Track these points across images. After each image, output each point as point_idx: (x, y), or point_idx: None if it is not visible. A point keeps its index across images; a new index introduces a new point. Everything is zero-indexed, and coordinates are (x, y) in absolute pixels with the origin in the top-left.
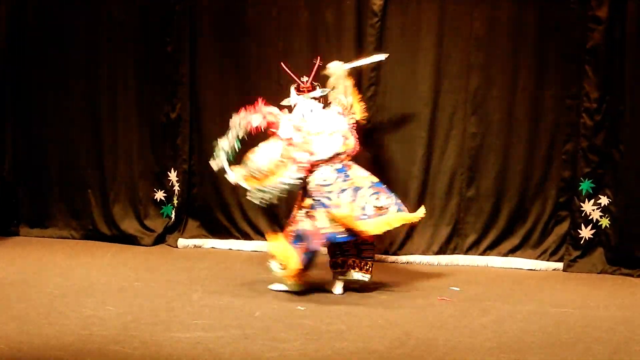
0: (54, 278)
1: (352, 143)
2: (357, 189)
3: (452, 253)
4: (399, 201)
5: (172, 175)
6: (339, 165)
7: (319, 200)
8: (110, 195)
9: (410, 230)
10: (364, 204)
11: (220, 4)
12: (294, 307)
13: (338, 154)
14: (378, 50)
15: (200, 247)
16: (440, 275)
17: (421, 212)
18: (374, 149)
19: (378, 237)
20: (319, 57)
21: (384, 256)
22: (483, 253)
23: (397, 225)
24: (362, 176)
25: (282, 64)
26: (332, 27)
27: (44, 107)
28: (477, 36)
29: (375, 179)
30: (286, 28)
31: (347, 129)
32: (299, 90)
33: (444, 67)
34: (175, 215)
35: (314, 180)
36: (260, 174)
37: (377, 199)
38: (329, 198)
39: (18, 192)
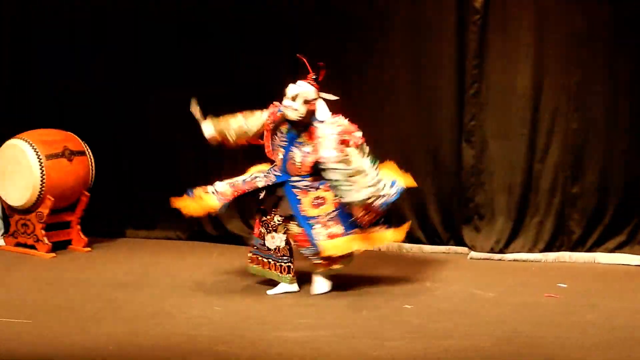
0: (162, 279)
1: None
2: None
3: (558, 250)
4: None
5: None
6: None
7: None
8: None
9: (515, 227)
10: None
11: (317, 3)
12: (400, 305)
13: None
14: (480, 47)
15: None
16: (547, 272)
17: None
18: (477, 146)
19: None
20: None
21: (489, 254)
22: (590, 249)
23: None
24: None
25: (298, 55)
26: (433, 25)
27: (144, 106)
28: (578, 31)
29: None
30: (387, 26)
31: None
32: (309, 80)
33: (546, 63)
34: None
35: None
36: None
37: None
38: None
39: (123, 192)
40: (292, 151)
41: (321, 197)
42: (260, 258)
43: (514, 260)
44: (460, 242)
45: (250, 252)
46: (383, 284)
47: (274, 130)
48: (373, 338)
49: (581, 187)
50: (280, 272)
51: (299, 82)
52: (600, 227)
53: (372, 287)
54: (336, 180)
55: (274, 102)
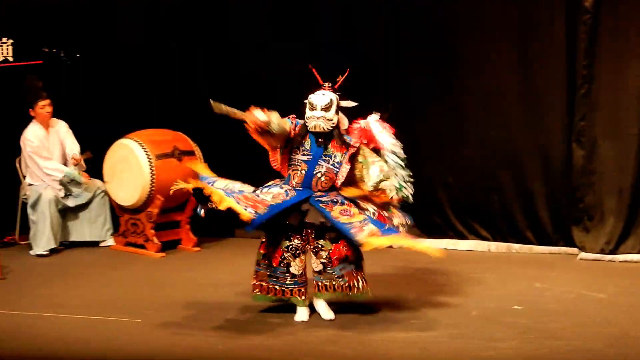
0: None
1: None
2: None
3: None
4: None
5: None
6: None
7: None
8: None
9: (625, 229)
10: None
11: (423, 5)
12: (509, 306)
13: None
14: (590, 47)
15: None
16: None
17: None
18: (587, 146)
19: None
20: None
21: (600, 255)
22: None
23: None
24: None
25: (310, 66)
26: (543, 25)
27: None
28: None
29: None
30: (493, 27)
31: None
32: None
33: None
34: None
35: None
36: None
37: None
38: None
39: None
40: (320, 165)
41: (347, 210)
42: (272, 286)
43: (625, 261)
44: (570, 243)
45: (260, 281)
46: (492, 285)
47: (294, 145)
48: (482, 339)
49: None
50: (300, 296)
51: (322, 91)
52: None
53: (481, 288)
54: (393, 165)
55: (292, 115)
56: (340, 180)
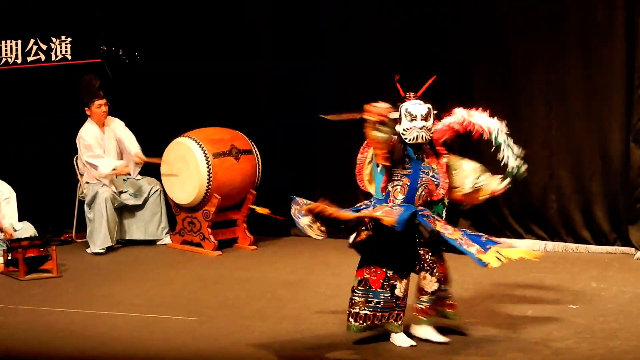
0: (326, 278)
1: None
2: None
3: None
4: None
5: None
6: None
7: None
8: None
9: None
10: None
11: (485, 6)
12: (566, 305)
13: None
14: None
15: None
16: None
17: None
18: None
19: None
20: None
21: None
22: None
23: None
24: None
25: (396, 77)
26: (602, 24)
27: (314, 106)
28: None
29: None
30: (554, 26)
31: None
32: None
33: None
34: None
35: None
36: None
37: None
38: None
39: (288, 191)
40: (421, 177)
41: (444, 224)
42: (370, 313)
43: None
44: (627, 243)
45: (355, 308)
46: (548, 285)
47: (395, 159)
48: (539, 338)
49: None
50: (397, 321)
51: (415, 101)
52: None
53: (537, 288)
54: (506, 143)
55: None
56: (442, 191)
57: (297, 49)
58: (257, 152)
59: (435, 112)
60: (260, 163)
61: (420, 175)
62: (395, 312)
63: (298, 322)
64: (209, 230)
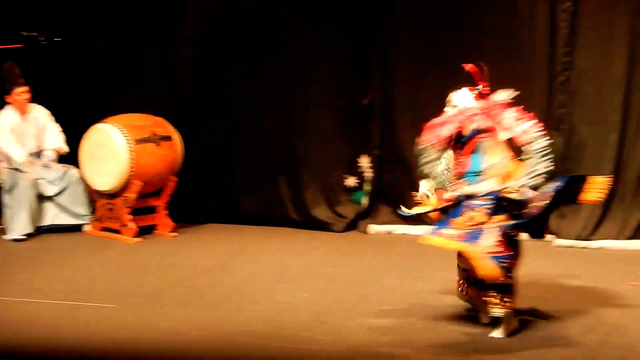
0: (246, 264)
1: None
2: None
3: None
4: None
5: (364, 161)
6: None
7: None
8: (302, 181)
9: (602, 215)
10: None
11: None
12: None
13: None
14: (571, 34)
15: (391, 232)
16: (632, 260)
17: None
18: (566, 133)
19: None
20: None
21: (575, 242)
22: None
23: None
24: None
25: (463, 65)
26: (524, 12)
27: (234, 91)
28: None
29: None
30: (479, 13)
31: None
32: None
33: (638, 50)
34: (366, 201)
35: None
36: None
37: None
38: None
39: (208, 178)
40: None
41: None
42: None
43: (600, 247)
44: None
45: None
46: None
47: None
48: (456, 325)
49: None
50: None
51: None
52: None
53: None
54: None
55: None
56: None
57: (218, 37)
58: (179, 139)
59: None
60: (181, 149)
61: None
62: None
63: (217, 309)
64: (129, 216)
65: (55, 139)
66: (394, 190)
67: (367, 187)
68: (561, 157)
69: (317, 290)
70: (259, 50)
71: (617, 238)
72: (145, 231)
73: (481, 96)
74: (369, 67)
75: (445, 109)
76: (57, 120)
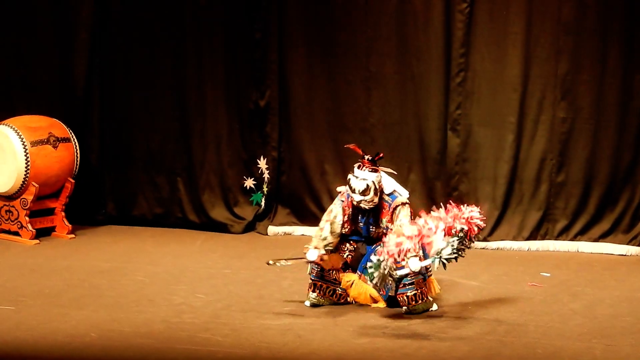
0: (144, 266)
1: None
2: None
3: (543, 239)
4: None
5: (262, 163)
6: None
7: None
8: (199, 182)
9: (499, 216)
10: None
11: None
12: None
13: None
14: (467, 36)
15: (290, 234)
16: (531, 261)
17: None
18: (462, 134)
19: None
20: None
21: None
22: (574, 238)
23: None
24: None
25: (347, 146)
26: (420, 14)
27: (130, 93)
28: (565, 20)
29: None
30: (374, 14)
31: None
32: (367, 166)
33: (533, 52)
34: (265, 203)
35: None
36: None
37: None
38: None
39: (105, 179)
40: (372, 231)
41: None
42: None
43: (498, 248)
44: None
45: None
46: None
47: (352, 217)
48: (356, 326)
49: (566, 176)
50: None
51: (359, 172)
52: (584, 216)
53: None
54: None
55: (340, 191)
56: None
57: (113, 37)
58: (75, 140)
59: (390, 172)
60: (78, 151)
61: (371, 230)
62: None
63: (115, 310)
64: (27, 218)
65: None
66: (292, 192)
67: (265, 188)
68: (457, 158)
69: (215, 291)
70: (155, 50)
71: (515, 239)
72: (43, 233)
73: (370, 163)
74: (265, 68)
75: (355, 196)
76: None
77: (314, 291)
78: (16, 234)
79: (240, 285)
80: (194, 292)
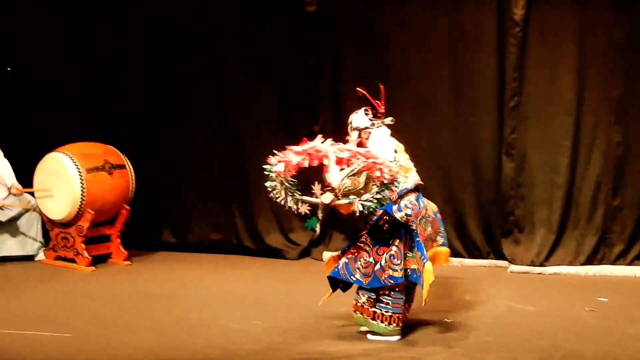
0: (200, 292)
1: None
2: (427, 216)
3: (599, 263)
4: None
5: (316, 188)
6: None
7: (407, 231)
8: (254, 209)
9: (555, 241)
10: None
11: (358, 16)
12: (440, 318)
13: (419, 182)
14: (520, 60)
15: None
16: (588, 286)
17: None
18: (517, 158)
19: None
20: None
21: (530, 267)
22: (631, 263)
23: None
24: (430, 205)
25: (358, 89)
26: (472, 39)
27: (185, 120)
28: (618, 42)
29: (435, 207)
30: (425, 39)
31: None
32: (374, 115)
33: (586, 75)
34: (319, 229)
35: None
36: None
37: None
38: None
39: (161, 206)
40: None
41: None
42: None
43: (555, 273)
44: (500, 256)
45: None
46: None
47: None
48: (414, 352)
49: (622, 200)
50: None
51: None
52: None
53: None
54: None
55: None
56: None
57: (166, 67)
58: (131, 167)
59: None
60: (133, 178)
61: None
62: None
63: (172, 337)
64: (83, 245)
65: (9, 177)
66: (347, 217)
67: (320, 214)
68: (512, 182)
69: (271, 317)
70: (211, 78)
71: (571, 264)
72: (99, 260)
73: (376, 115)
74: (319, 94)
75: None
76: (8, 151)
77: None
78: (72, 260)
79: (296, 311)
80: (250, 318)
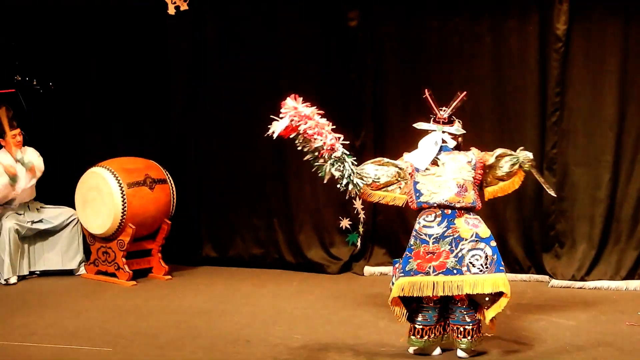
0: (241, 307)
1: (470, 197)
2: (459, 239)
3: None
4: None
5: (357, 203)
6: (448, 212)
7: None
8: (295, 223)
9: (596, 255)
10: (462, 256)
11: (403, 32)
12: (481, 333)
13: (449, 203)
14: (562, 74)
15: (387, 274)
16: (628, 301)
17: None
18: (558, 173)
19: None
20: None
21: (570, 282)
22: None
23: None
24: (468, 229)
25: (426, 90)
26: (515, 53)
27: (226, 134)
28: None
29: (486, 233)
30: (469, 54)
31: (470, 181)
32: (435, 121)
33: (629, 90)
34: (360, 243)
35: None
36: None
37: (475, 257)
38: (426, 241)
39: (202, 220)
40: None
41: None
42: None
43: (595, 288)
44: (541, 270)
45: None
46: None
47: None
48: None
49: None
50: None
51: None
52: None
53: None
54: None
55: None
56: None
57: (209, 80)
58: (172, 182)
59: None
60: (174, 192)
61: None
62: None
63: (213, 351)
64: (124, 260)
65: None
66: (388, 232)
67: (360, 228)
68: (554, 197)
69: (312, 332)
70: (252, 89)
71: (612, 279)
72: (140, 274)
73: (435, 121)
74: (361, 109)
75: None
76: (50, 164)
77: (422, 336)
78: (113, 275)
79: (336, 326)
80: (291, 332)
